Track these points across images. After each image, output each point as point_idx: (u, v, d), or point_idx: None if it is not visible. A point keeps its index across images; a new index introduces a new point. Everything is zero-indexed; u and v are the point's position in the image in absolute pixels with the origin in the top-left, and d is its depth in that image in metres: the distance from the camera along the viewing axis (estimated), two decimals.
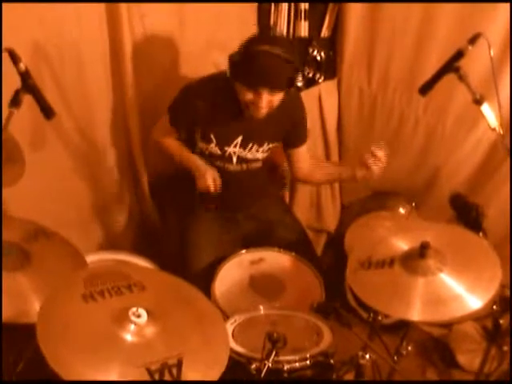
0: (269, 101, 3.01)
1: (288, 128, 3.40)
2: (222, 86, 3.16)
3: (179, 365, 1.94)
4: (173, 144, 3.41)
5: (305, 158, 3.56)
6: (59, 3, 3.02)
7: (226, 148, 3.30)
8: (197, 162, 3.28)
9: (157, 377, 1.93)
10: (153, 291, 2.30)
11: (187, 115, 3.23)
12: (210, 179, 3.17)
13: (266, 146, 3.39)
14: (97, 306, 2.16)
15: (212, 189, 3.17)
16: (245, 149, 3.33)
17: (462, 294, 2.40)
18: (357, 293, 2.60)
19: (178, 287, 2.44)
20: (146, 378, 1.93)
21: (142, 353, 2.03)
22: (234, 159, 3.35)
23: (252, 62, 2.90)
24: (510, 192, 3.51)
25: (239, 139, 3.29)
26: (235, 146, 3.30)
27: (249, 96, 3.00)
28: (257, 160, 3.44)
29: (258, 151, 3.38)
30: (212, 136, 3.26)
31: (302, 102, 3.46)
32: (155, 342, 2.08)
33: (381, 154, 3.12)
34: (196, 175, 3.22)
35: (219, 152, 3.31)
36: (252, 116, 3.13)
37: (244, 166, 3.41)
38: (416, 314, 2.41)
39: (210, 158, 3.34)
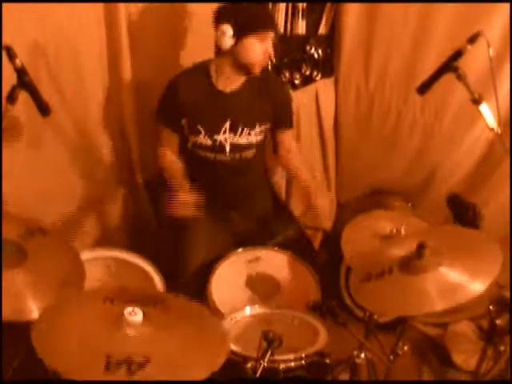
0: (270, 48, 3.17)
1: (274, 108, 3.41)
2: (199, 75, 3.26)
3: (141, 365, 1.92)
4: (170, 166, 3.42)
5: (289, 144, 3.60)
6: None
7: (215, 137, 3.30)
8: (182, 184, 3.28)
9: (111, 368, 1.91)
10: (175, 316, 2.27)
11: (173, 110, 3.26)
12: (188, 206, 3.17)
13: (257, 128, 3.37)
14: (104, 308, 2.19)
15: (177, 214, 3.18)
16: (235, 134, 3.33)
17: (465, 279, 2.39)
18: (368, 308, 2.60)
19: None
20: (102, 363, 1.92)
21: (124, 344, 2.04)
22: (227, 148, 3.34)
23: (253, 9, 3.10)
24: (510, 193, 3.50)
25: (227, 125, 3.29)
26: (225, 133, 3.30)
27: (258, 48, 3.10)
28: (251, 146, 3.42)
29: (250, 134, 3.36)
30: (199, 127, 3.27)
31: (283, 84, 3.65)
32: (141, 338, 2.08)
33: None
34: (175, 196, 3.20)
35: (210, 142, 3.31)
36: (238, 97, 3.29)
37: (237, 155, 3.40)
38: (435, 304, 2.39)
39: (201, 151, 3.35)
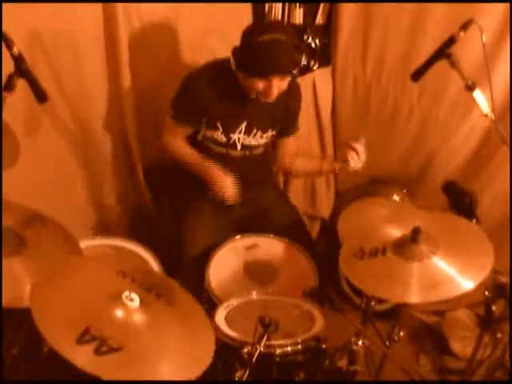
0: (279, 86, 3.07)
1: (286, 116, 3.45)
2: (224, 72, 3.20)
3: (110, 350, 1.95)
4: (185, 150, 3.39)
5: (291, 149, 3.65)
6: None
7: (231, 135, 3.32)
8: (215, 169, 3.26)
9: (85, 340, 1.95)
10: (175, 313, 2.30)
11: (193, 106, 3.22)
12: (231, 191, 3.20)
13: (269, 133, 3.43)
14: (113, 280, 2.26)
15: (232, 200, 3.22)
16: (249, 135, 3.36)
17: (455, 275, 2.42)
18: (354, 283, 2.60)
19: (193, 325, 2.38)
20: (79, 331, 1.96)
21: (109, 324, 2.07)
22: (239, 146, 3.37)
23: (260, 53, 2.96)
24: (510, 181, 3.51)
25: (243, 125, 3.32)
26: (240, 133, 3.33)
27: (259, 85, 3.05)
28: (259, 146, 3.46)
29: (261, 137, 3.41)
30: (218, 124, 3.27)
31: (300, 92, 3.53)
32: (128, 325, 2.11)
33: (359, 148, 3.25)
34: (213, 183, 3.22)
35: (224, 139, 3.33)
36: (259, 101, 3.19)
37: (247, 152, 3.44)
38: (413, 296, 2.44)
39: (214, 145, 3.36)
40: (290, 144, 3.62)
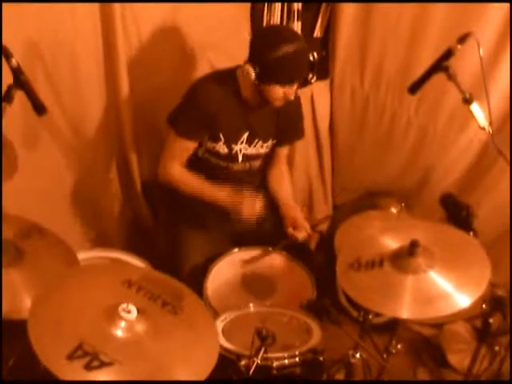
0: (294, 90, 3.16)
1: (286, 125, 3.47)
2: (226, 82, 3.23)
3: (101, 364, 1.93)
4: (188, 179, 3.35)
5: (281, 159, 3.66)
6: (54, 2, 3.04)
7: (233, 146, 3.32)
8: (228, 196, 3.27)
9: (77, 354, 1.92)
10: (179, 322, 2.26)
11: (197, 116, 3.21)
12: (253, 208, 3.21)
13: (270, 142, 3.44)
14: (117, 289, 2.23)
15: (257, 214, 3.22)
16: (250, 145, 3.36)
17: (452, 291, 2.40)
18: (350, 295, 2.60)
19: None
20: (72, 347, 1.94)
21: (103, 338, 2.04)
22: (240, 157, 3.37)
23: (286, 64, 3.03)
24: (510, 193, 3.51)
25: (245, 135, 3.33)
26: (241, 143, 3.33)
27: (280, 92, 3.11)
28: (259, 157, 3.47)
29: (262, 147, 3.42)
30: (221, 135, 3.27)
31: (300, 99, 3.57)
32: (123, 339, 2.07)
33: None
34: (233, 208, 3.23)
35: (226, 150, 3.32)
36: (260, 110, 3.29)
37: (247, 164, 3.44)
38: (406, 311, 2.42)
39: (215, 158, 3.36)
40: (281, 154, 3.64)
